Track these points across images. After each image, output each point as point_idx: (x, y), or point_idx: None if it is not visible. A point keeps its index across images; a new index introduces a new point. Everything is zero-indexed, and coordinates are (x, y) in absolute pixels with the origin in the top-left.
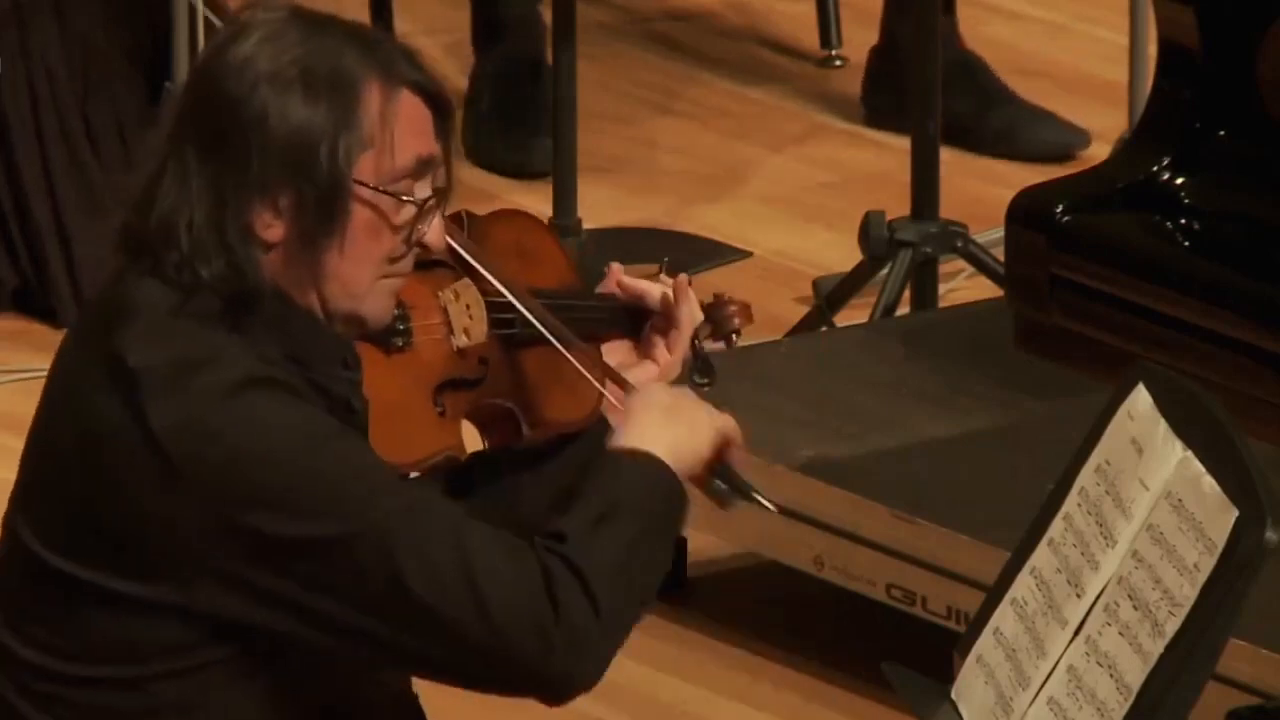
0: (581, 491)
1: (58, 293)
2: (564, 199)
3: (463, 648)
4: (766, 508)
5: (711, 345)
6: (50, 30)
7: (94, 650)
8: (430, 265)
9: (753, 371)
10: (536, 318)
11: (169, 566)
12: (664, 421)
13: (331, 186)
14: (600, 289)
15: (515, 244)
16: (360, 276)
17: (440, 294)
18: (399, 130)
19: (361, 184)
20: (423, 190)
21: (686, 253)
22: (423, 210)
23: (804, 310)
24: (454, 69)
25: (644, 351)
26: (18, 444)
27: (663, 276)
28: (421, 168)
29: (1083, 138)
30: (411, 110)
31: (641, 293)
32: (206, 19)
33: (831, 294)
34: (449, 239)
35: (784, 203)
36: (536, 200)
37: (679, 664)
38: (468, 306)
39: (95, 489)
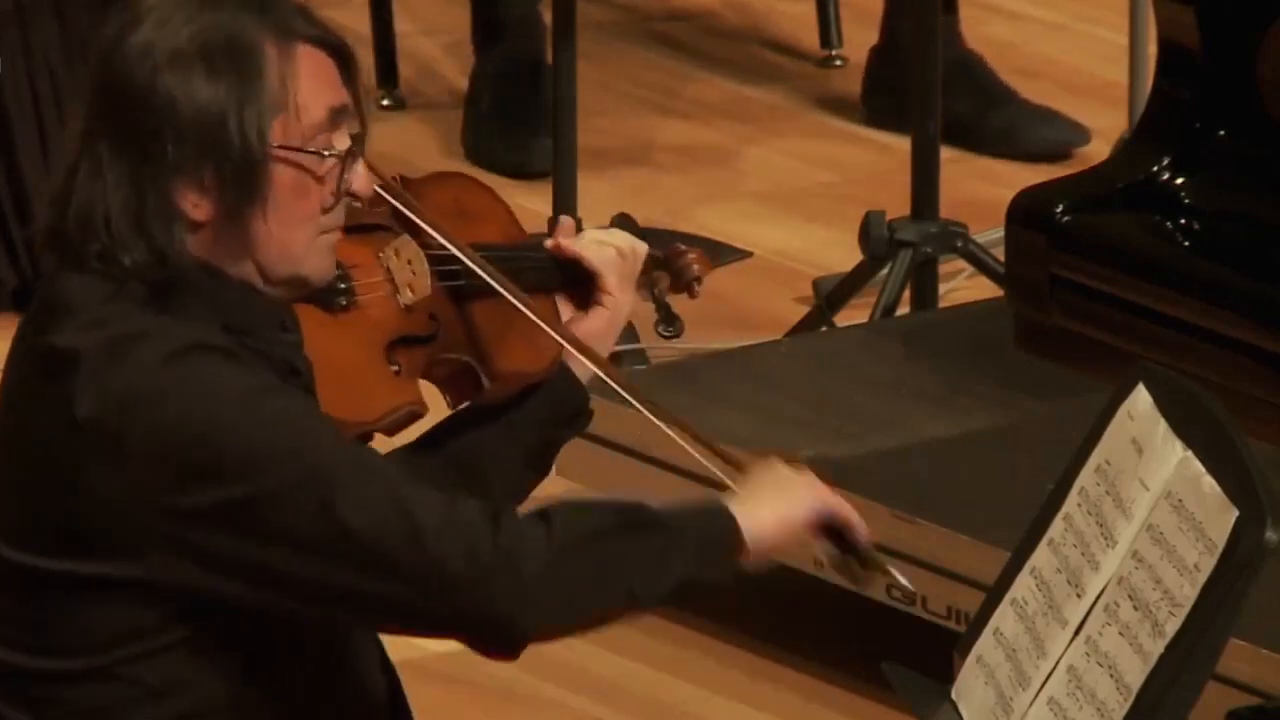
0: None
1: None
2: (564, 199)
3: (401, 581)
4: (907, 587)
5: (672, 297)
6: (51, 30)
7: (64, 643)
8: (370, 228)
9: (753, 371)
10: (476, 265)
11: (121, 540)
12: (767, 490)
13: (248, 157)
14: (549, 243)
15: (454, 201)
16: (296, 238)
17: (381, 254)
18: (304, 87)
19: (278, 147)
20: (340, 141)
21: None
22: (344, 160)
23: (804, 310)
24: (454, 69)
25: (590, 298)
26: None
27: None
28: (334, 118)
29: (1083, 135)
30: (313, 64)
31: (575, 255)
32: None
33: (831, 294)
34: (383, 193)
35: (784, 203)
36: (536, 200)
37: (679, 664)
38: (409, 262)
39: (44, 474)
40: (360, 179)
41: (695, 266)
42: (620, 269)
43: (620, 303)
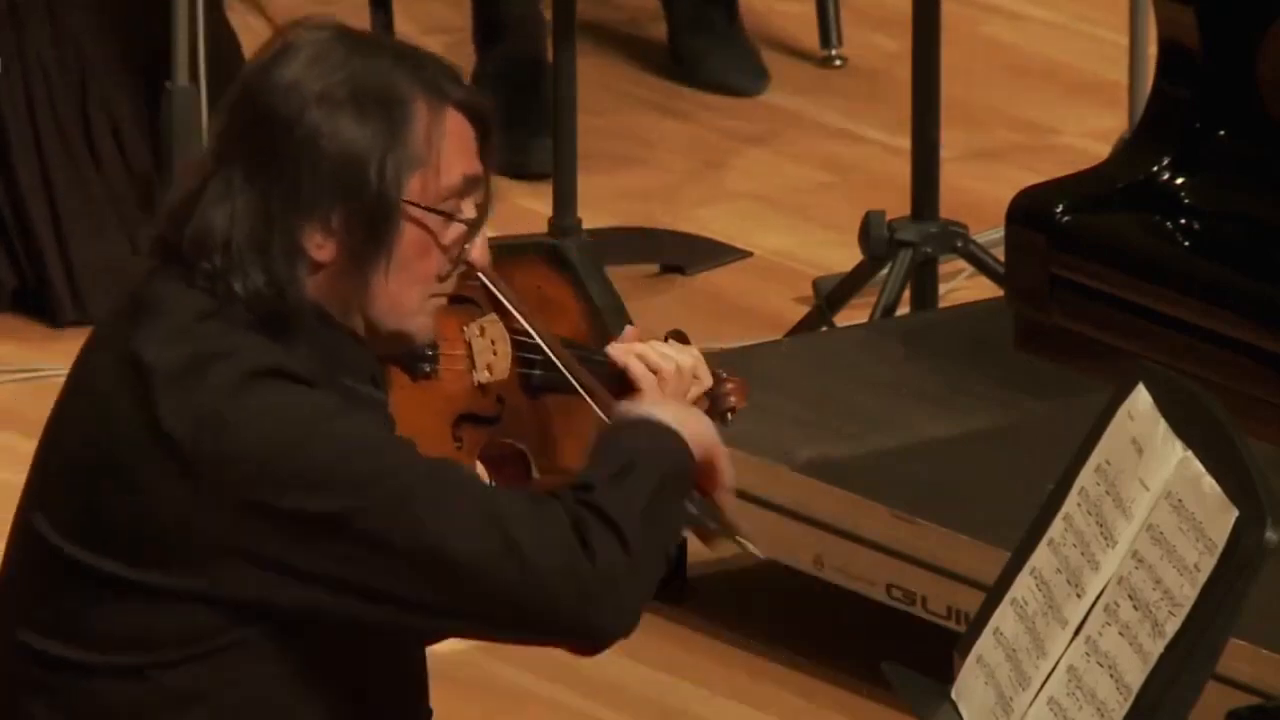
0: (599, 450)
1: (55, 294)
2: (564, 199)
3: (496, 596)
4: (754, 553)
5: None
6: (44, 31)
7: (115, 639)
8: (459, 300)
9: (753, 371)
10: (561, 361)
11: (188, 557)
12: (674, 405)
13: (382, 205)
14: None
15: (536, 289)
16: (410, 295)
17: (466, 328)
18: (446, 149)
19: (411, 203)
20: (469, 209)
21: (686, 253)
22: (470, 228)
23: (804, 310)
24: None
25: None
26: (18, 443)
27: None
28: (468, 186)
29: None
30: (458, 129)
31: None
32: (206, 20)
33: (831, 294)
34: (485, 279)
35: (784, 203)
36: (536, 200)
37: (679, 664)
38: (493, 342)
39: (114, 484)
40: (479, 250)
41: (732, 398)
42: (662, 387)
43: None
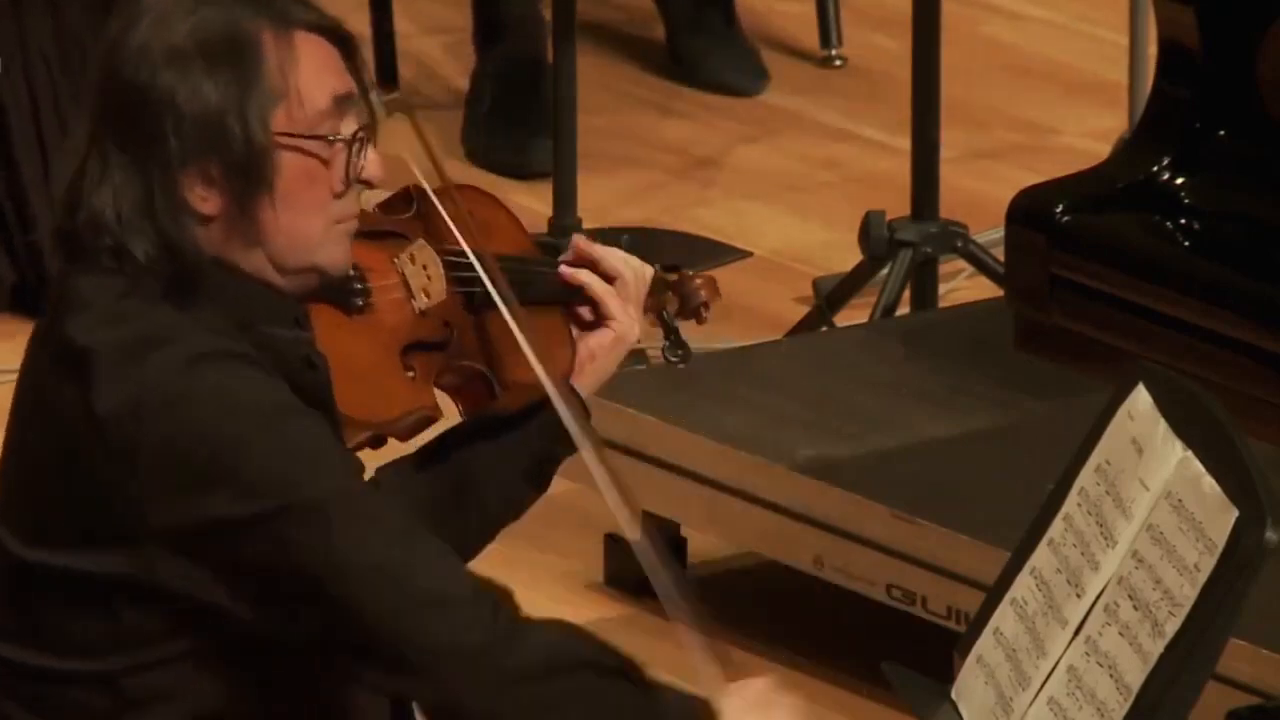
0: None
1: None
2: (564, 199)
3: (382, 635)
4: None
5: (680, 322)
6: (46, 27)
7: (69, 644)
8: (385, 234)
9: (753, 371)
10: (487, 276)
11: (129, 542)
12: (755, 711)
13: (251, 147)
14: (563, 259)
15: (469, 214)
16: (309, 226)
17: (396, 259)
18: (305, 74)
19: (282, 135)
20: (348, 127)
21: (686, 253)
22: (352, 145)
23: (804, 310)
24: (454, 69)
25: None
26: None
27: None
28: (339, 105)
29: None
30: (314, 52)
31: (578, 282)
32: None
33: (831, 294)
34: (425, 186)
35: (784, 203)
36: (536, 200)
37: (680, 664)
38: (424, 267)
39: (58, 467)
40: (373, 165)
41: (703, 292)
42: (621, 294)
43: (625, 325)
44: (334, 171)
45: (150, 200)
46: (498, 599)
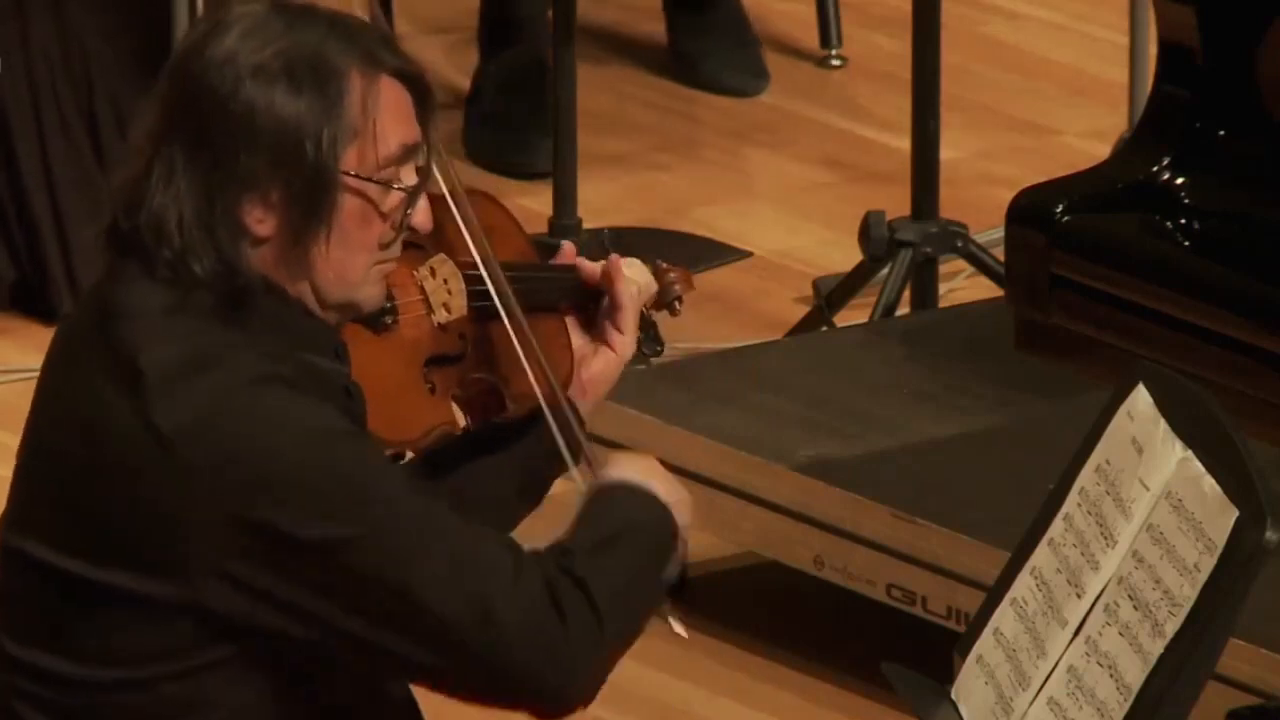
0: (589, 511)
1: (55, 288)
2: (564, 199)
3: (465, 655)
4: (677, 632)
5: (655, 315)
6: (48, 25)
7: (103, 653)
8: (405, 245)
9: (753, 371)
10: (504, 286)
11: (178, 565)
12: (663, 477)
13: (320, 178)
14: (554, 261)
15: (480, 220)
16: (354, 265)
17: (416, 272)
18: (383, 118)
19: (349, 174)
20: (408, 176)
21: (686, 252)
22: (410, 196)
23: (804, 310)
24: (454, 69)
25: (597, 337)
26: (16, 443)
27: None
28: (406, 154)
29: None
30: (394, 97)
31: (592, 270)
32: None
33: (831, 294)
34: (453, 205)
35: (784, 203)
36: (536, 200)
37: (679, 664)
38: (445, 281)
39: (106, 489)
40: (421, 213)
41: (677, 286)
42: (615, 291)
43: (628, 344)
44: (388, 219)
45: (211, 212)
46: (550, 580)
